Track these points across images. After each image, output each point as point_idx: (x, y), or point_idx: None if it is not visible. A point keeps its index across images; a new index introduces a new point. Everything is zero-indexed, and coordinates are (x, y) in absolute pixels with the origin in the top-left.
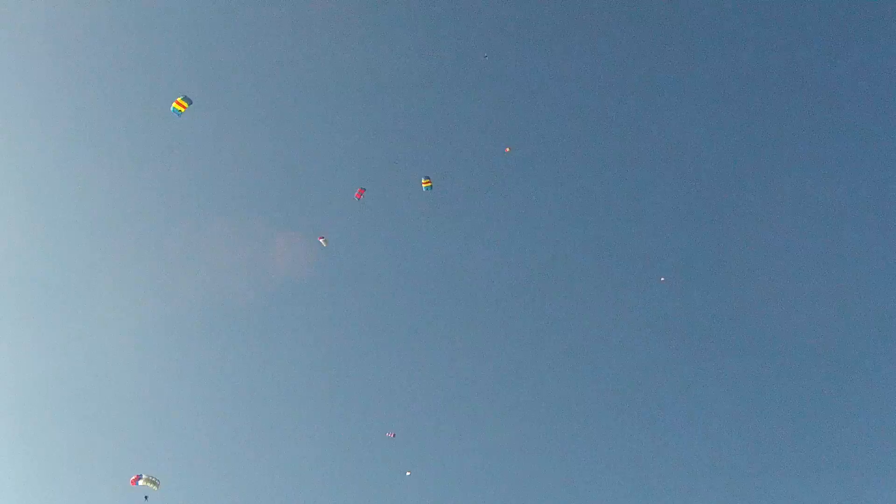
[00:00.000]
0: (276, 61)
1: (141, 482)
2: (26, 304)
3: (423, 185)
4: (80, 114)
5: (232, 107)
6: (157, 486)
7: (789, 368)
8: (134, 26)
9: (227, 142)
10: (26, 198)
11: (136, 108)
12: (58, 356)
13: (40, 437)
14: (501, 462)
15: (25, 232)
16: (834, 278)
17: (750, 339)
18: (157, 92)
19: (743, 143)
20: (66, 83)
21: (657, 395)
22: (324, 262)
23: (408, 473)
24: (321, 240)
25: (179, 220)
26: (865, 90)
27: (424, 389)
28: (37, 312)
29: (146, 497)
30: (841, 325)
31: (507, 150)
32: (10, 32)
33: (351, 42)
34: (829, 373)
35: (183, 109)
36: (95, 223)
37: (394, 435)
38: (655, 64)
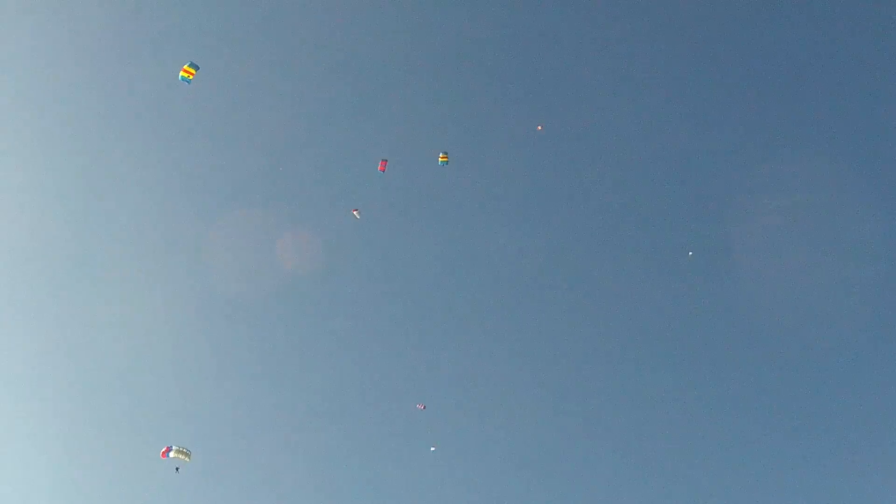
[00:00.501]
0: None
1: (172, 454)
2: (32, 300)
3: (440, 160)
4: (87, 110)
5: (232, 98)
6: (189, 457)
7: (789, 367)
8: (137, 15)
9: (228, 133)
10: (33, 193)
11: (139, 103)
12: (63, 353)
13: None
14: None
15: (34, 228)
16: (834, 276)
17: (750, 338)
18: (161, 86)
19: (745, 141)
20: (69, 76)
21: (659, 391)
22: (336, 251)
23: (433, 449)
24: (355, 212)
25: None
26: (864, 88)
27: (442, 376)
28: (44, 310)
29: (177, 469)
30: (841, 323)
31: (540, 128)
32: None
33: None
34: (829, 371)
35: (191, 76)
36: (99, 221)
37: (424, 407)
38: (666, 59)
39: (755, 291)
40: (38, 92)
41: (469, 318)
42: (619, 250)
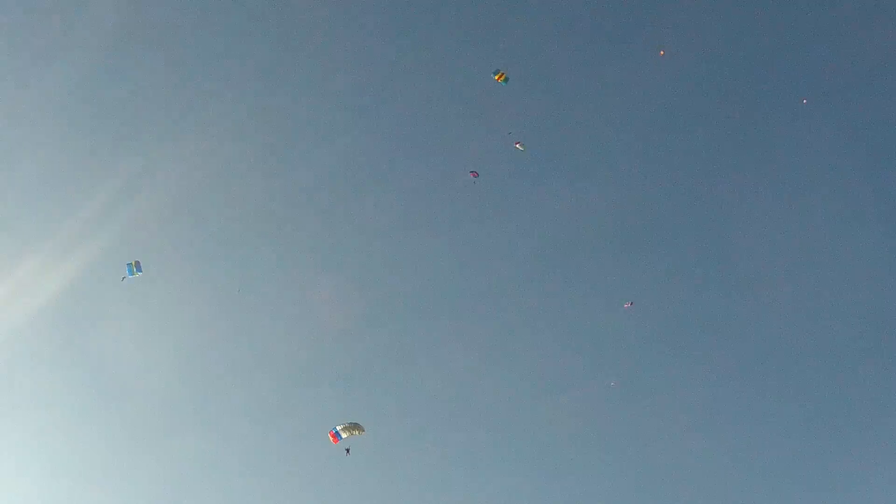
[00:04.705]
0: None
1: (342, 434)
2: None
3: (498, 79)
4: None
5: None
6: (361, 430)
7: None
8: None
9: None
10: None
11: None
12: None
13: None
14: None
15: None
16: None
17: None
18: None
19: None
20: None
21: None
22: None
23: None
24: (518, 145)
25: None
26: (863, 89)
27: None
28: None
29: (347, 451)
30: (840, 324)
31: (662, 53)
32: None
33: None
34: (828, 372)
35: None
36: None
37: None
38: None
39: (755, 290)
40: (38, 92)
41: (468, 316)
42: (619, 250)
